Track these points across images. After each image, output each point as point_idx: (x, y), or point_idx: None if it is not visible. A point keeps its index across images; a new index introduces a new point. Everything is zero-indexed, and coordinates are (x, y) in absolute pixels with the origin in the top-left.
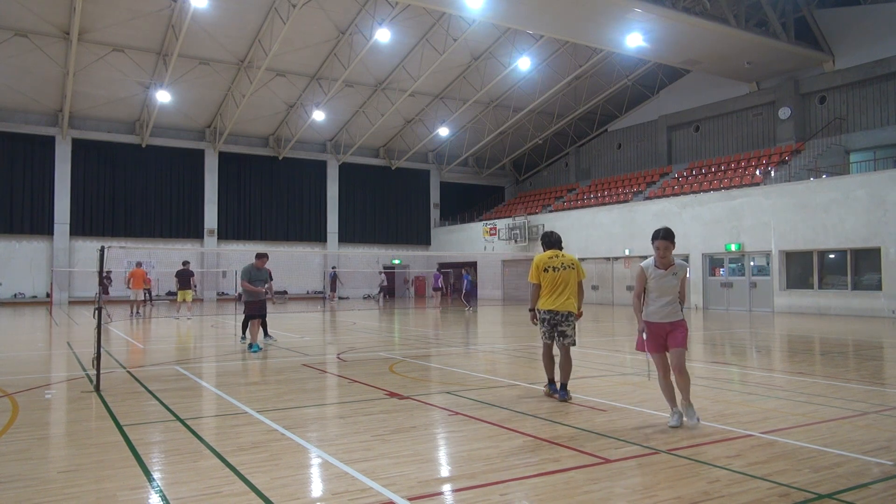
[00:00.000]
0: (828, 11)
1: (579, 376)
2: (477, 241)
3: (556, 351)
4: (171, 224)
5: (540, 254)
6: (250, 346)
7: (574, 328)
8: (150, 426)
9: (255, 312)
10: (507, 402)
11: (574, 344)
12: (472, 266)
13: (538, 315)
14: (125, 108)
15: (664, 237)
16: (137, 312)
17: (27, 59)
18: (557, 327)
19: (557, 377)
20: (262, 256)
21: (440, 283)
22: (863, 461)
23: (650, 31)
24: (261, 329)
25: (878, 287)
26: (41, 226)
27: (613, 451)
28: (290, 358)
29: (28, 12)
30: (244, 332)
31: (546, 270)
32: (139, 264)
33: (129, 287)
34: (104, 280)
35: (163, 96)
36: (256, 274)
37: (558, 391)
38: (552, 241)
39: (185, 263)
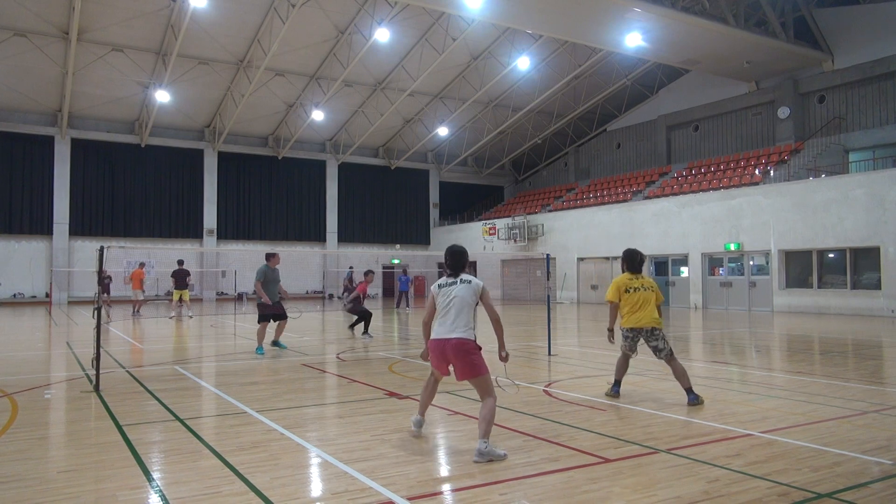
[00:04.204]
0: (827, 11)
1: (578, 376)
2: (476, 241)
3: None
4: (170, 224)
5: (620, 276)
6: (258, 348)
7: (664, 339)
8: (150, 426)
9: (269, 313)
10: (507, 402)
11: (672, 354)
12: (472, 266)
13: (622, 334)
14: (124, 108)
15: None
16: (137, 312)
17: (26, 59)
18: (648, 343)
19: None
20: (273, 256)
21: None
22: (862, 460)
23: (649, 31)
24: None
25: (878, 286)
26: (40, 226)
27: (613, 451)
28: (290, 358)
29: (27, 12)
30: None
31: (627, 291)
32: (142, 265)
33: (130, 286)
34: (105, 280)
35: (162, 96)
36: (272, 275)
37: (689, 398)
38: (636, 263)
39: (180, 263)
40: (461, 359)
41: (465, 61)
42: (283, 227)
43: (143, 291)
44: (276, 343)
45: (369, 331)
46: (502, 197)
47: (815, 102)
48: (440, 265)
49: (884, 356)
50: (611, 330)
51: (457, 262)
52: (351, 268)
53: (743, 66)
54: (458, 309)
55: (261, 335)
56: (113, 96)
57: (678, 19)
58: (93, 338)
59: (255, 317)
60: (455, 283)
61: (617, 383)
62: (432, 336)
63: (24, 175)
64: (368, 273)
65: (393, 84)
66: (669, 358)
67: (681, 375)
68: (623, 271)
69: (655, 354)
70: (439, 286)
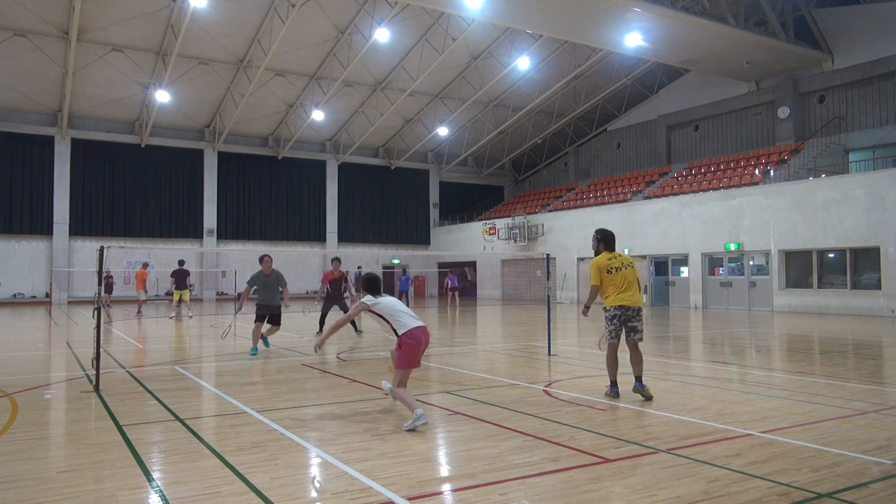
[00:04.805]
0: (827, 11)
1: (578, 376)
2: (476, 241)
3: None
4: (170, 224)
5: (598, 257)
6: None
7: (643, 323)
8: (150, 426)
9: (264, 313)
10: (507, 402)
11: (642, 339)
12: (472, 266)
13: (610, 313)
14: (124, 108)
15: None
16: (139, 312)
17: (26, 59)
18: (628, 323)
19: (614, 374)
20: (262, 259)
21: (456, 282)
22: (862, 460)
23: (649, 31)
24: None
25: (878, 286)
26: (40, 226)
27: (613, 451)
28: (290, 358)
29: (27, 12)
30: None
31: (609, 272)
32: (145, 265)
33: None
34: (108, 280)
35: (162, 96)
36: (265, 280)
37: (636, 384)
38: (613, 242)
39: (181, 263)
40: (428, 341)
41: (465, 61)
42: (283, 227)
43: (146, 291)
44: (262, 338)
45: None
46: (502, 197)
47: (815, 102)
48: (440, 265)
49: (884, 356)
50: (588, 307)
51: (376, 286)
52: (359, 267)
53: (743, 66)
54: (406, 308)
55: (256, 335)
56: (113, 96)
57: (678, 19)
58: (93, 338)
59: (255, 317)
60: (384, 296)
61: (614, 384)
62: (415, 326)
63: (24, 175)
64: (334, 260)
65: (393, 84)
66: (637, 342)
67: (637, 362)
68: (597, 252)
69: (630, 335)
70: (375, 299)
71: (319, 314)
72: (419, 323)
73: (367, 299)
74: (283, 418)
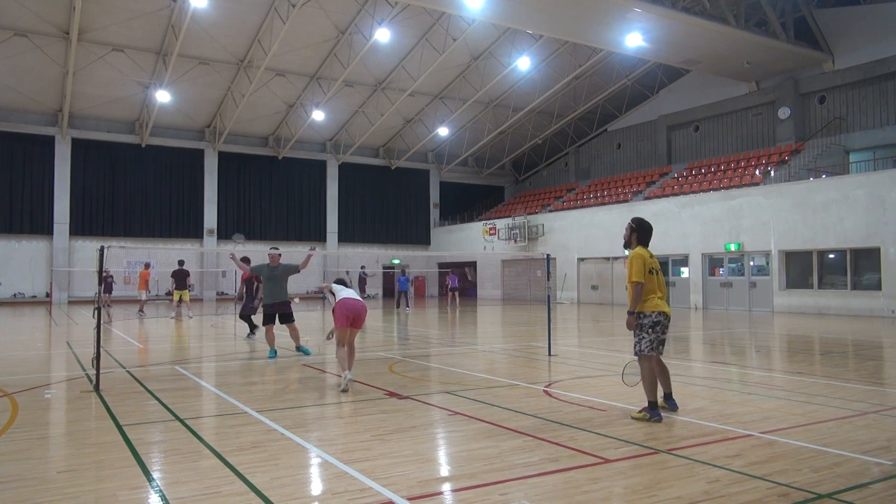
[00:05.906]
0: (827, 11)
1: (578, 376)
2: (476, 241)
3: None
4: (170, 224)
5: (638, 249)
6: (270, 352)
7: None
8: (150, 426)
9: (273, 312)
10: (507, 402)
11: (662, 353)
12: (472, 266)
13: (651, 319)
14: (125, 108)
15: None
16: (141, 311)
17: (26, 59)
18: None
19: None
20: (270, 254)
21: (456, 283)
22: (862, 461)
23: (650, 31)
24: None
25: (878, 287)
26: (41, 226)
27: (613, 451)
28: (291, 358)
29: (27, 12)
30: (251, 329)
31: (651, 272)
32: (147, 265)
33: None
34: (108, 279)
35: (162, 96)
36: (271, 272)
37: (670, 403)
38: (646, 235)
39: (181, 263)
40: (363, 315)
41: (466, 61)
42: (283, 227)
43: (148, 291)
44: (298, 349)
45: (254, 333)
46: (503, 197)
47: (816, 103)
48: (441, 265)
49: (884, 357)
50: (632, 313)
51: (343, 283)
52: (362, 267)
53: (743, 67)
54: (354, 290)
55: (270, 338)
56: (113, 96)
57: (678, 19)
58: (93, 338)
59: (262, 319)
60: (346, 286)
61: (654, 406)
62: (346, 296)
63: (25, 175)
64: (244, 259)
65: (393, 84)
66: (660, 355)
67: (666, 376)
68: (629, 244)
69: (659, 347)
70: (339, 286)
71: (238, 314)
72: (350, 295)
73: (334, 286)
74: (283, 418)
